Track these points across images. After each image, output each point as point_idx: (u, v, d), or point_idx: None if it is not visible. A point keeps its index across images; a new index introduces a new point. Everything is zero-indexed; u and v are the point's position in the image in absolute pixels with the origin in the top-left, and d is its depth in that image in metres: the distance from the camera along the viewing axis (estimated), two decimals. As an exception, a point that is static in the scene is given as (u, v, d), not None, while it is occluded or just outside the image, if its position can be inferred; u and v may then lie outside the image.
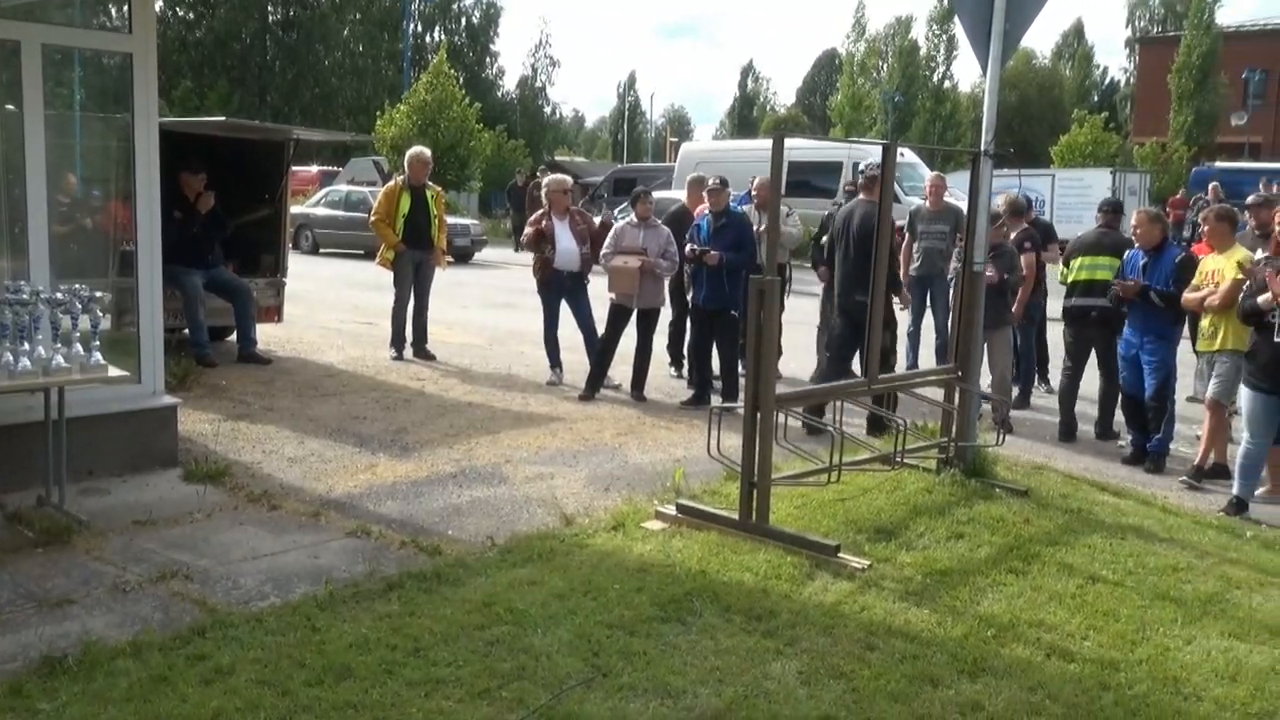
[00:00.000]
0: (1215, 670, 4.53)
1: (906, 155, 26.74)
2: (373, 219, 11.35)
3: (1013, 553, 5.80)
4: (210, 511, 6.06)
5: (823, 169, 26.25)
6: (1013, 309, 9.49)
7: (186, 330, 10.34)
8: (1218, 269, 7.79)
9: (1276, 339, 6.78)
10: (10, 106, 6.39)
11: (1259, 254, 7.70)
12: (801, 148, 25.22)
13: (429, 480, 6.83)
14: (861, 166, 9.51)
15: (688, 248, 9.54)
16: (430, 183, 11.39)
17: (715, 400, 9.06)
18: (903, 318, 11.00)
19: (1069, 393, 9.02)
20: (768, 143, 6.09)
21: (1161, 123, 51.94)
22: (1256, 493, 7.30)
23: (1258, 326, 6.94)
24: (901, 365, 11.11)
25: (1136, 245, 8.30)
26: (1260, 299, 6.84)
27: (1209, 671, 4.52)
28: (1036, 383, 10.66)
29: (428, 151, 11.50)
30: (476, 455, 7.52)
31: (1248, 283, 7.17)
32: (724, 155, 27.94)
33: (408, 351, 11.30)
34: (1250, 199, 10.35)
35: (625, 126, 79.94)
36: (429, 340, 11.45)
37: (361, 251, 23.96)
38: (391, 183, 11.55)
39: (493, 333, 13.68)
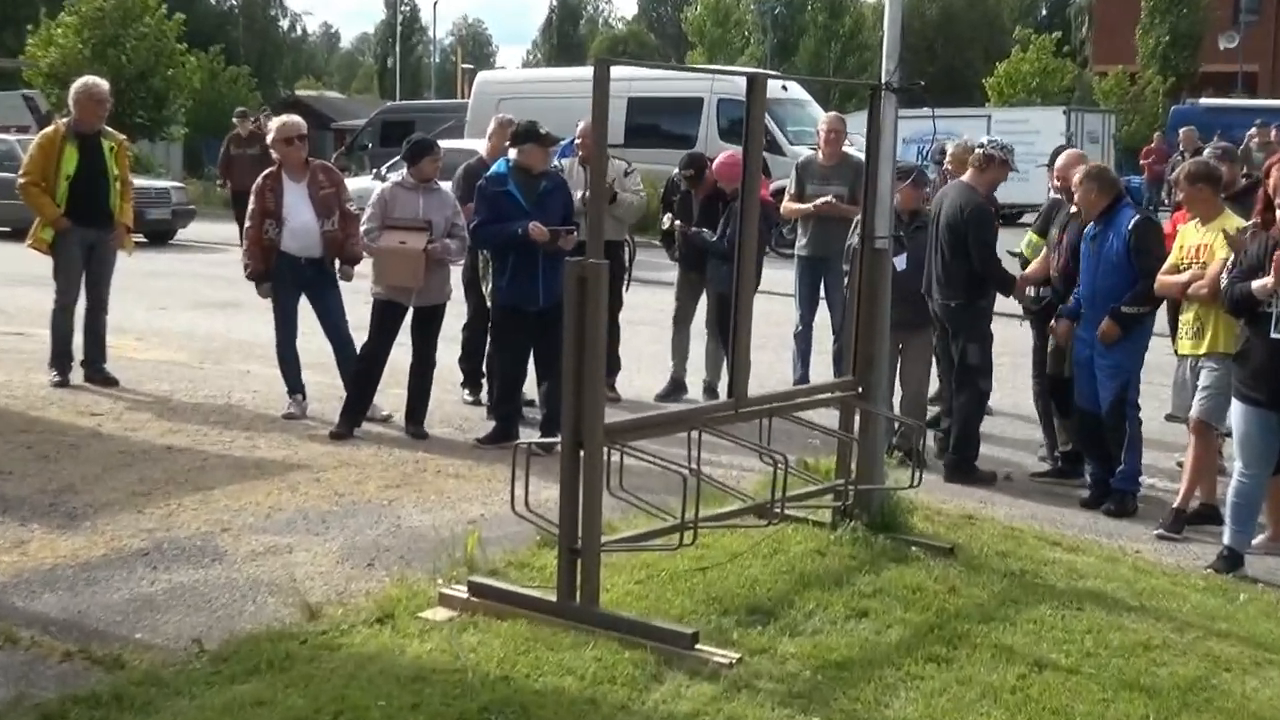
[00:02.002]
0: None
1: (791, 90, 27.36)
2: (20, 180, 11.04)
3: (934, 634, 5.97)
4: None
5: (677, 108, 26.67)
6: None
7: None
8: (1203, 243, 8.16)
9: (1275, 334, 7.09)
10: None
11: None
12: (646, 79, 25.62)
13: (107, 561, 6.66)
14: (983, 140, 9.87)
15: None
16: (109, 129, 11.20)
17: (529, 434, 9.09)
18: (785, 312, 11.25)
19: (1047, 411, 9.36)
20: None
21: (1128, 46, 54.47)
22: (1253, 542, 7.69)
23: (1249, 318, 7.27)
24: (785, 378, 11.36)
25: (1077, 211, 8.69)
26: (1255, 285, 7.12)
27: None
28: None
29: (103, 84, 11.30)
30: (179, 522, 7.35)
31: (1232, 258, 7.52)
32: (536, 89, 28.11)
33: (76, 374, 11.02)
34: (1208, 150, 10.84)
35: (397, 48, 79.50)
36: (108, 358, 11.22)
37: (7, 229, 23.18)
38: (50, 128, 11.29)
39: (204, 345, 13.42)
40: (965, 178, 9.53)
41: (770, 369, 11.64)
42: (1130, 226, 8.35)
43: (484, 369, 10.68)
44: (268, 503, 7.80)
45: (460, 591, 6.12)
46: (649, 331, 13.26)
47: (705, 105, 26.63)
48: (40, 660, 5.41)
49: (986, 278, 9.17)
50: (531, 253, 9.15)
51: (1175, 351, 8.62)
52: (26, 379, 11.05)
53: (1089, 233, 8.53)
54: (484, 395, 10.64)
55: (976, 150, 9.59)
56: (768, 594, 6.36)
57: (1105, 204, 8.49)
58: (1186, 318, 8.22)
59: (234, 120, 24.70)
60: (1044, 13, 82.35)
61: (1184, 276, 8.14)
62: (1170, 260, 8.29)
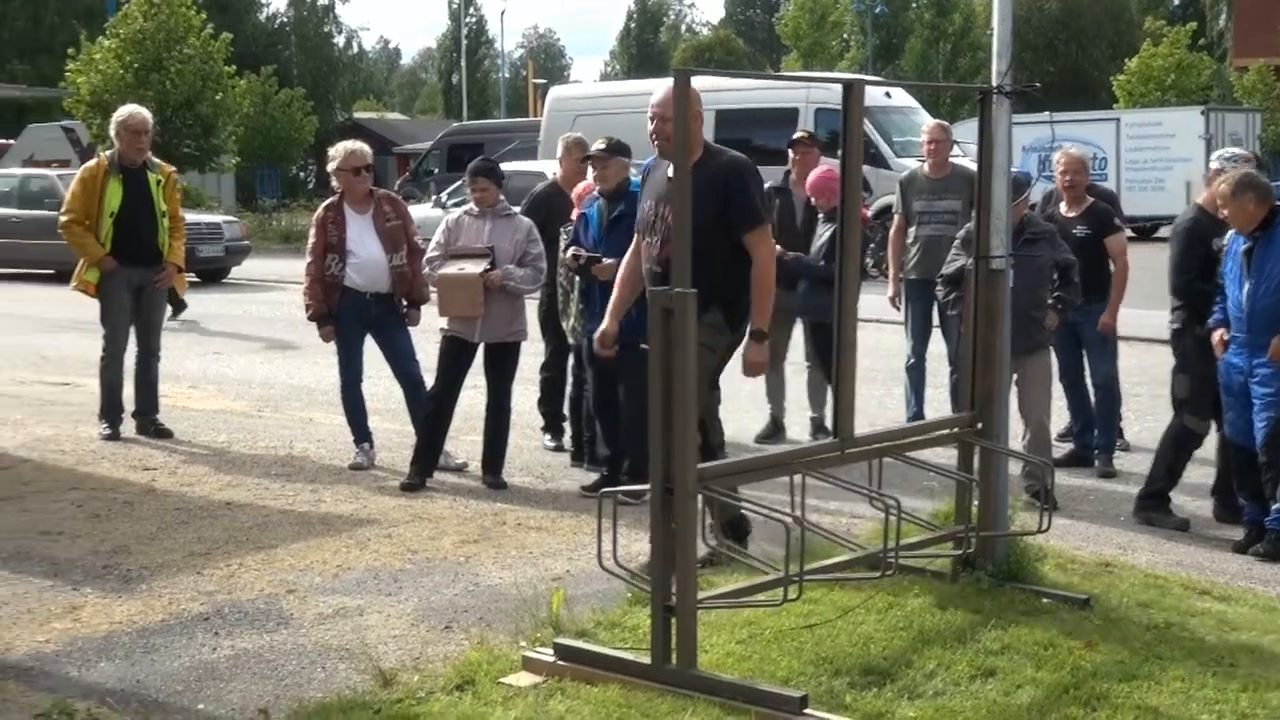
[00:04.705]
0: None
1: (895, 97, 27.34)
2: (62, 219, 11.25)
3: (1069, 695, 5.92)
4: None
5: (770, 120, 26.67)
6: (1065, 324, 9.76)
7: None
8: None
9: None
10: None
11: None
12: (736, 89, 25.70)
13: (166, 626, 6.76)
14: (1217, 158, 9.72)
15: (566, 251, 9.60)
16: (157, 161, 11.37)
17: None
18: (895, 342, 11.23)
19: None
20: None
21: (1273, 37, 53.76)
22: None
23: None
24: (898, 414, 11.34)
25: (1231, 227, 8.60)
26: None
27: None
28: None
29: (142, 113, 11.37)
30: (241, 584, 7.46)
31: None
32: (616, 104, 28.22)
33: (128, 426, 11.22)
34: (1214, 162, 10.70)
35: (463, 64, 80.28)
36: (160, 408, 11.42)
37: (51, 271, 23.66)
38: (93, 162, 11.45)
39: (263, 392, 13.61)
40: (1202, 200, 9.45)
41: (880, 405, 11.63)
42: None
43: (565, 412, 10.77)
44: (335, 561, 7.88)
45: (546, 654, 6.15)
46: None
47: (801, 116, 26.62)
48: (97, 735, 5.53)
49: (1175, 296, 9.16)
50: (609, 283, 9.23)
51: None
52: (75, 432, 11.27)
53: (1240, 247, 8.43)
54: (566, 440, 10.73)
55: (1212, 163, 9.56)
56: (883, 653, 6.34)
57: (1264, 214, 8.39)
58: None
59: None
60: (1176, 2, 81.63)
61: None
62: None
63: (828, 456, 6.89)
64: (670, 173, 6.76)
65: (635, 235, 7.90)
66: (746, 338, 7.71)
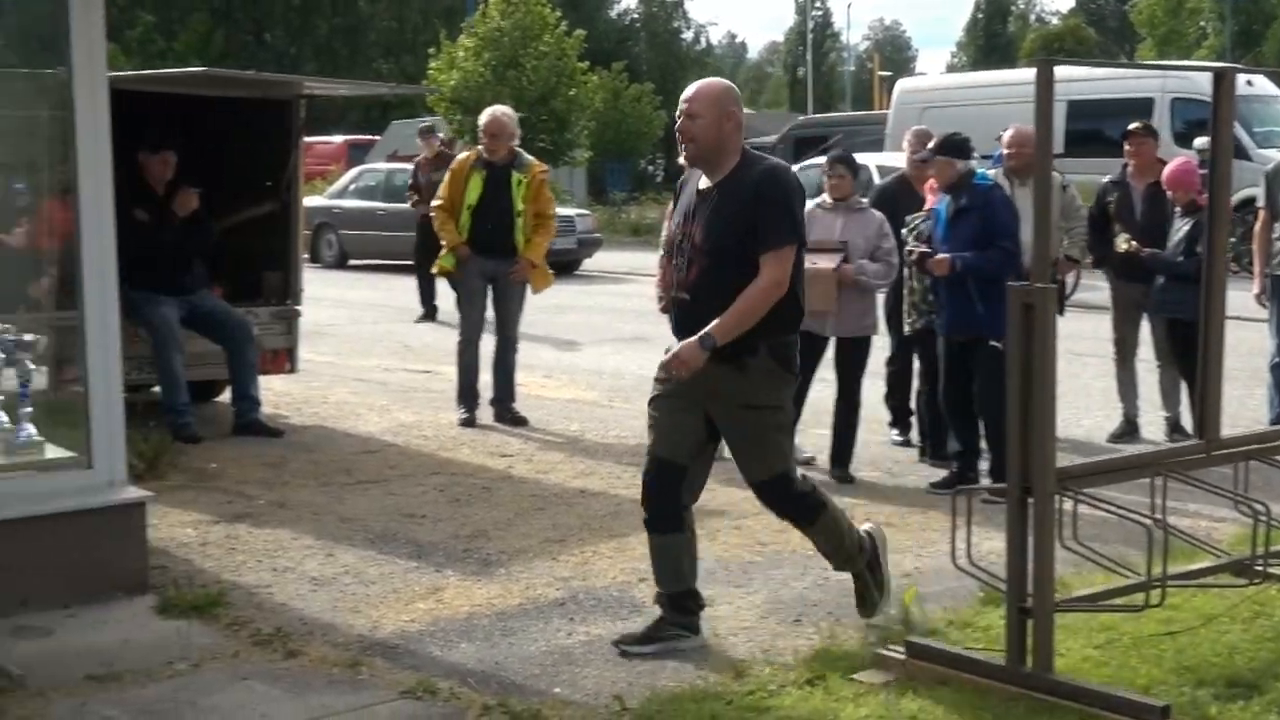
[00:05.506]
0: None
1: (1256, 84, 26.23)
2: (433, 205, 11.75)
3: None
4: (198, 660, 6.23)
5: (1124, 111, 25.82)
6: None
7: (156, 388, 10.74)
8: None
9: None
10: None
11: None
12: (1088, 79, 25.03)
13: (523, 610, 6.91)
14: None
15: (907, 246, 9.52)
16: (529, 160, 11.60)
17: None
18: (1257, 340, 10.76)
19: None
20: (1030, 74, 6.05)
21: None
22: None
23: None
24: (1259, 415, 10.88)
25: None
26: None
27: None
28: None
29: (500, 117, 11.54)
30: (594, 571, 7.59)
31: None
32: (964, 96, 27.85)
33: (484, 413, 11.54)
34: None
35: (809, 57, 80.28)
36: (516, 397, 11.70)
37: (413, 263, 24.44)
38: (464, 155, 11.88)
39: (613, 382, 13.83)
40: None
41: (1240, 405, 11.15)
42: None
43: (912, 406, 10.66)
44: (685, 551, 7.95)
45: (897, 652, 6.08)
46: (1095, 364, 12.90)
47: (1156, 107, 25.74)
48: (459, 713, 5.66)
49: None
50: (953, 278, 9.17)
51: None
52: (436, 419, 11.65)
53: None
54: (914, 435, 10.62)
55: None
56: (1249, 664, 6.07)
57: None
58: None
59: (418, 140, 22.29)
60: None
61: None
62: None
63: (1192, 458, 6.64)
64: (701, 185, 6.38)
65: (661, 256, 6.93)
66: (694, 337, 6.18)
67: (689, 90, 6.38)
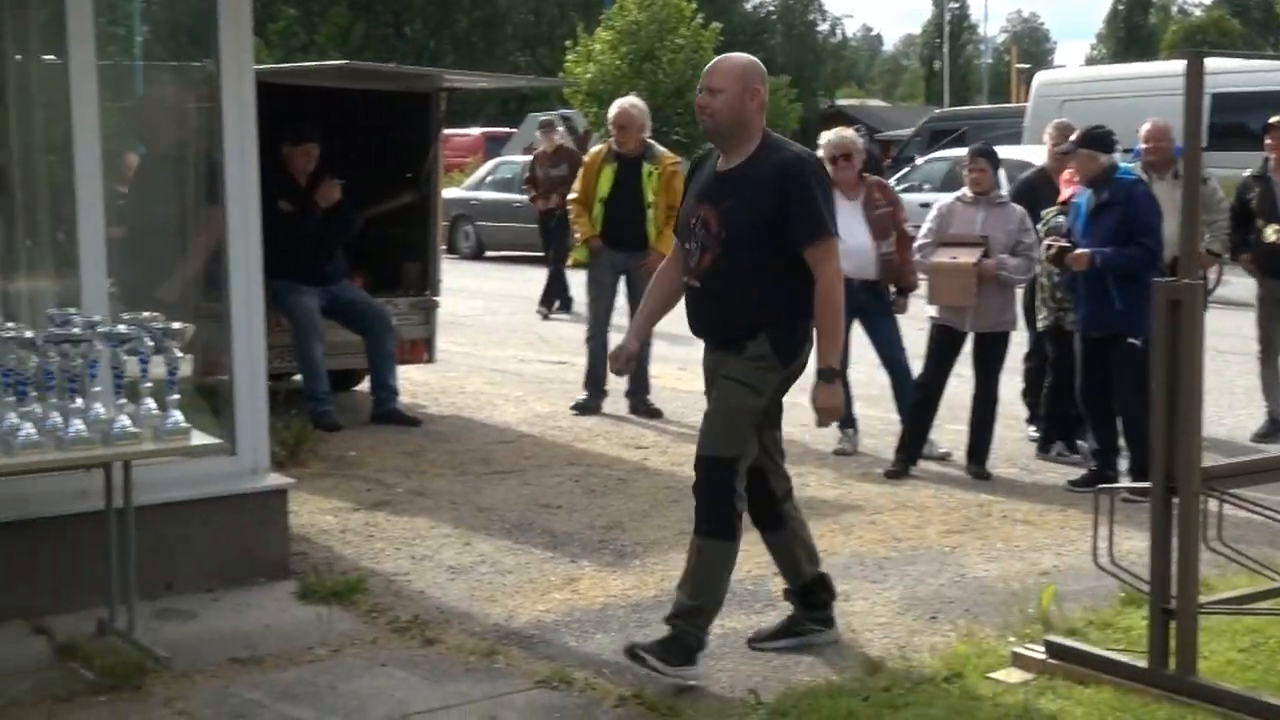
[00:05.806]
0: None
1: None
2: (569, 198, 11.94)
3: None
4: (338, 646, 6.32)
5: (1270, 104, 25.26)
6: None
7: (298, 376, 10.90)
8: None
9: None
10: (48, 56, 6.81)
11: None
12: (1234, 71, 24.48)
13: (657, 602, 6.88)
14: None
15: (1044, 241, 9.40)
16: (661, 151, 11.60)
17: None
18: None
19: None
20: (1174, 67, 5.94)
21: None
22: None
23: None
24: None
25: None
26: None
27: None
28: None
29: (637, 104, 11.65)
30: (728, 564, 7.59)
31: None
32: (1104, 89, 27.36)
33: (614, 404, 11.58)
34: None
35: (945, 49, 79.53)
36: (652, 389, 11.71)
37: (540, 254, 24.56)
38: (598, 148, 12.01)
39: (747, 375, 13.78)
40: None
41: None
42: None
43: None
44: (820, 546, 7.79)
45: (1036, 651, 6.02)
46: (1237, 362, 12.65)
47: (1303, 99, 25.19)
48: (595, 704, 5.69)
49: None
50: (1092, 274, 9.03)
51: None
52: (570, 410, 11.68)
53: None
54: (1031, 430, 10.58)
55: None
56: (1401, 671, 5.95)
57: None
58: None
59: (537, 133, 21.90)
60: None
61: None
62: None
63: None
64: (720, 165, 6.09)
65: (674, 239, 6.58)
66: (815, 378, 6.08)
67: (711, 63, 6.13)
